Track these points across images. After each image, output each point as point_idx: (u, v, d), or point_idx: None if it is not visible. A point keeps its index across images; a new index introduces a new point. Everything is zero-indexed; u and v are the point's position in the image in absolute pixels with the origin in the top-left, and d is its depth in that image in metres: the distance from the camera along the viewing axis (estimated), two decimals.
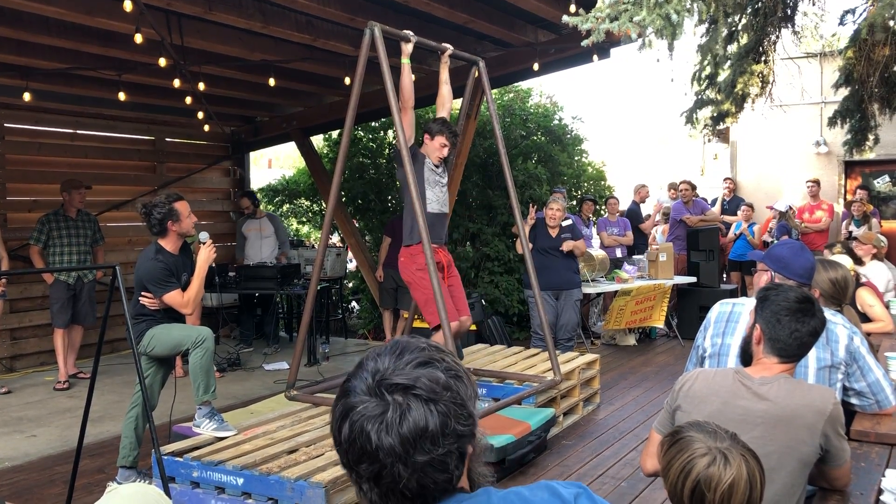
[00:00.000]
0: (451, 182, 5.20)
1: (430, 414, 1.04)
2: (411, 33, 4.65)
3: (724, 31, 7.02)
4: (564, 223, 6.99)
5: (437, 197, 4.76)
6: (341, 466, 1.11)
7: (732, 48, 8.32)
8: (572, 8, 5.77)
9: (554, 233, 6.92)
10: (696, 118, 9.33)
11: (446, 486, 1.08)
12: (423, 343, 1.14)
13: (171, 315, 4.37)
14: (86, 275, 7.09)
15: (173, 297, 4.25)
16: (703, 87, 9.07)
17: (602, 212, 10.91)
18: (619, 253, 9.33)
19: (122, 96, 7.16)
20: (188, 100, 7.44)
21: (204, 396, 4.15)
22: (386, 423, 1.03)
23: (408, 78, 4.61)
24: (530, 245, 6.40)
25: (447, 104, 5.10)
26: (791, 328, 2.21)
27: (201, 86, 7.01)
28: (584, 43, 5.08)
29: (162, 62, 6.15)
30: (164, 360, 4.48)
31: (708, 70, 8.73)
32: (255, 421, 4.44)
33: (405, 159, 4.31)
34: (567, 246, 6.85)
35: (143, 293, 4.30)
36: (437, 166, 4.80)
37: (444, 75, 5.08)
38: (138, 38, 5.59)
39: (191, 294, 4.29)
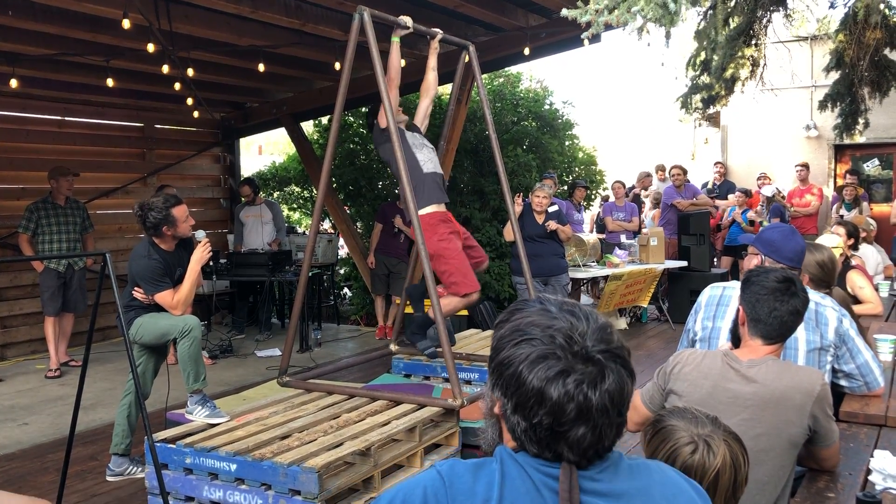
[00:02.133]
0: (442, 168, 5.17)
1: (629, 378, 1.17)
2: (407, 20, 4.61)
3: (721, 16, 7.01)
4: (550, 209, 7.01)
5: (428, 157, 4.70)
6: (528, 427, 1.14)
7: (723, 32, 8.32)
8: None
9: (540, 219, 6.94)
10: (691, 103, 9.34)
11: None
12: (591, 309, 1.23)
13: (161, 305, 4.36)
14: (76, 262, 7.05)
15: (164, 298, 4.25)
16: (698, 72, 9.08)
17: (593, 196, 10.92)
18: (623, 238, 9.34)
19: (110, 82, 7.10)
20: (177, 86, 7.39)
21: (194, 385, 4.15)
22: (603, 387, 1.13)
23: (396, 56, 4.59)
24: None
25: (431, 91, 5.05)
26: (770, 307, 2.22)
27: (190, 72, 6.95)
28: (584, 35, 5.07)
29: (150, 48, 6.09)
30: (157, 348, 4.48)
31: (703, 56, 8.73)
32: (248, 407, 4.44)
33: (394, 136, 4.27)
34: (552, 225, 6.86)
35: (136, 287, 4.29)
36: (411, 131, 4.77)
37: (433, 62, 5.04)
38: (126, 24, 5.53)
39: (181, 296, 4.28)
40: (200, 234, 4.42)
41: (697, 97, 9.33)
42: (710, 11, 6.88)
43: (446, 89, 7.99)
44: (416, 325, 4.98)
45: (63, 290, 6.99)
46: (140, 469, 4.35)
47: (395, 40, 4.58)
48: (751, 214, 9.99)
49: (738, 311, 2.34)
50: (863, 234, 6.39)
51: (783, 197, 10.15)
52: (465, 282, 4.56)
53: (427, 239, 4.58)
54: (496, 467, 1.18)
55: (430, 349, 4.80)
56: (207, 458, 3.56)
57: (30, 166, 8.08)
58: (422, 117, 4.97)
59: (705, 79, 8.97)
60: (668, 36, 5.44)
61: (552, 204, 7.08)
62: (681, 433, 1.71)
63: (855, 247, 5.71)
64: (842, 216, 9.61)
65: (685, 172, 10.24)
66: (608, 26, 4.99)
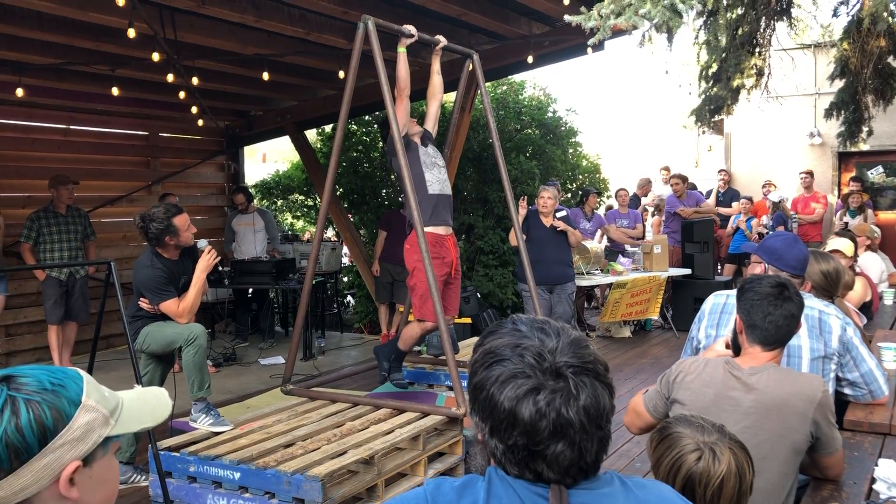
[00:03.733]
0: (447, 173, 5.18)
1: (605, 391, 1.14)
2: (411, 28, 4.63)
3: (723, 21, 7.03)
4: (558, 214, 6.96)
5: (436, 178, 4.71)
6: (506, 449, 1.13)
7: (725, 39, 8.34)
8: (566, 1, 5.76)
9: (547, 222, 6.89)
10: (706, 115, 9.33)
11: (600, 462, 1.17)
12: (563, 324, 1.21)
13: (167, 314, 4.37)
14: (77, 270, 7.06)
15: (169, 307, 4.27)
16: (710, 84, 9.09)
17: (600, 203, 10.92)
18: (627, 246, 9.32)
19: (115, 91, 7.13)
20: (182, 94, 7.42)
21: (199, 393, 4.16)
22: (579, 403, 1.10)
23: (404, 66, 4.59)
24: (524, 237, 6.39)
25: (438, 95, 5.08)
26: (765, 312, 2.24)
27: (195, 80, 6.98)
28: (591, 41, 5.07)
29: (155, 57, 6.12)
30: (163, 357, 4.49)
31: (714, 67, 8.75)
32: (252, 415, 4.44)
33: (398, 148, 4.30)
34: (560, 224, 6.81)
35: (141, 298, 4.31)
36: (425, 146, 4.79)
37: (436, 66, 5.06)
38: (131, 33, 5.56)
39: (186, 304, 4.29)
40: (203, 243, 4.44)
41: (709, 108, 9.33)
42: (711, 18, 6.90)
43: (450, 97, 8.01)
44: (394, 359, 5.00)
45: (65, 298, 7.01)
46: (144, 477, 4.35)
47: (402, 51, 4.59)
48: (756, 225, 9.96)
49: (735, 320, 2.35)
50: (867, 242, 6.37)
51: (787, 205, 10.14)
52: (422, 308, 4.59)
53: (412, 253, 4.62)
54: (483, 486, 1.17)
55: (398, 380, 4.91)
56: (211, 467, 3.56)
57: (35, 175, 8.10)
58: (432, 122, 5.01)
59: (716, 90, 8.98)
60: (670, 40, 5.45)
61: (559, 210, 7.04)
62: (686, 440, 1.72)
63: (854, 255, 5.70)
64: (845, 224, 9.59)
65: (685, 181, 10.23)
66: (616, 31, 4.99)
